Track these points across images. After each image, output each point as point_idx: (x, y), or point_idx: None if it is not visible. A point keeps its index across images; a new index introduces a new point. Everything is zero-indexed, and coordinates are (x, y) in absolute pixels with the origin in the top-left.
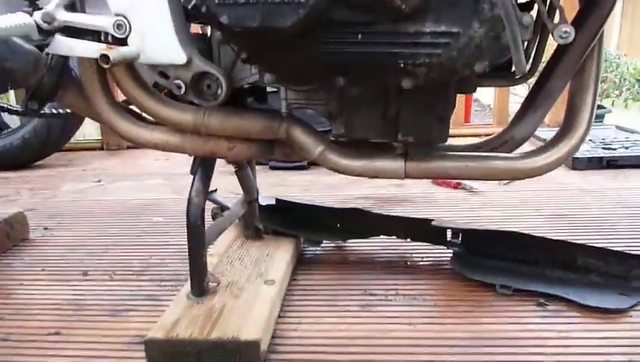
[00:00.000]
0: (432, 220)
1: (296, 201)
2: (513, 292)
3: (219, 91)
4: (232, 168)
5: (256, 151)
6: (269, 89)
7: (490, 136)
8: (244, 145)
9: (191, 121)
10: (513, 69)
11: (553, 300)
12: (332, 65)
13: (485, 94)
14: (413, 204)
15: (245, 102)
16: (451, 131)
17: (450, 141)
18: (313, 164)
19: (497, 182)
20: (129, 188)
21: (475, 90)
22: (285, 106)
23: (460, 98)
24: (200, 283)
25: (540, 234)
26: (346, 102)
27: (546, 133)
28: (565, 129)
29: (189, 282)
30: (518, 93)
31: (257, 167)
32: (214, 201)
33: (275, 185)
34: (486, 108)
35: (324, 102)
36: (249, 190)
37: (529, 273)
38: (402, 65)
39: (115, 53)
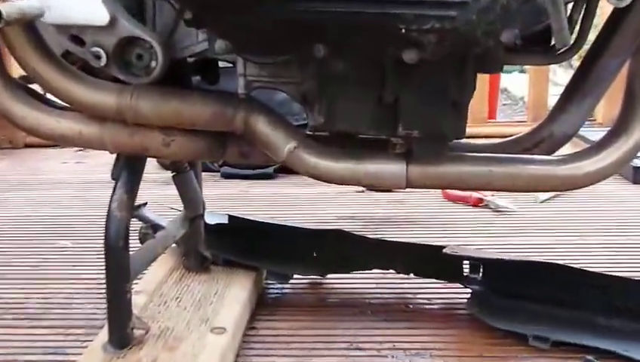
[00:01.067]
0: (444, 247)
1: (258, 220)
2: (551, 345)
3: (152, 64)
4: (168, 173)
5: (202, 149)
6: (221, 63)
7: (521, 133)
8: (186, 140)
9: (113, 105)
10: (553, 41)
11: (606, 357)
12: (308, 29)
13: (517, 83)
14: (419, 226)
15: (189, 80)
16: (471, 130)
17: (469, 142)
18: (283, 169)
19: (533, 197)
20: (25, 202)
21: (501, 69)
22: (244, 86)
23: (483, 85)
24: (121, 331)
25: (590, 269)
26: (327, 81)
27: (597, 133)
28: (621, 125)
29: (105, 329)
30: (561, 81)
31: (205, 174)
32: (143, 219)
33: (228, 198)
34: (518, 101)
35: (297, 80)
36: (192, 204)
37: (573, 320)
38: (404, 30)
39: (10, 7)
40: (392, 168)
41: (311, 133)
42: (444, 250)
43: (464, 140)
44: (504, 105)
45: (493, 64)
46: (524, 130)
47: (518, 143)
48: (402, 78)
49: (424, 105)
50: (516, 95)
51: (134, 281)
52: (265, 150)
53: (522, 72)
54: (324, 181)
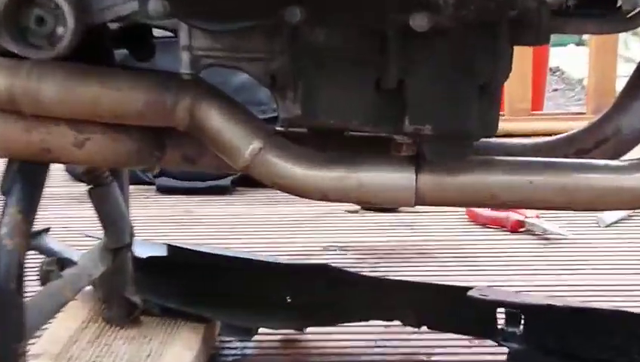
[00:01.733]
0: (469, 289)
1: (209, 252)
2: None
3: (59, 31)
4: (82, 187)
5: (130, 152)
6: (158, 32)
7: (575, 130)
8: (107, 139)
9: (1, 89)
10: (619, 2)
11: None
12: None
13: (575, 60)
14: (435, 259)
15: (112, 56)
16: (508, 125)
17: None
18: (245, 180)
19: (594, 219)
20: None
21: (547, 40)
22: (189, 64)
23: (524, 63)
24: None
25: None
26: (305, 57)
27: None
28: None
29: None
30: (635, 56)
31: (134, 187)
32: (45, 250)
33: (167, 221)
34: (575, 85)
35: (263, 55)
36: (115, 229)
37: None
38: None
39: None
40: (395, 178)
41: (283, 129)
42: (469, 293)
43: (496, 139)
44: (555, 90)
45: (536, 33)
46: (582, 124)
47: (571, 143)
48: (409, 53)
49: (440, 91)
50: (572, 76)
51: (31, 340)
52: (219, 153)
53: (581, 44)
54: (302, 196)
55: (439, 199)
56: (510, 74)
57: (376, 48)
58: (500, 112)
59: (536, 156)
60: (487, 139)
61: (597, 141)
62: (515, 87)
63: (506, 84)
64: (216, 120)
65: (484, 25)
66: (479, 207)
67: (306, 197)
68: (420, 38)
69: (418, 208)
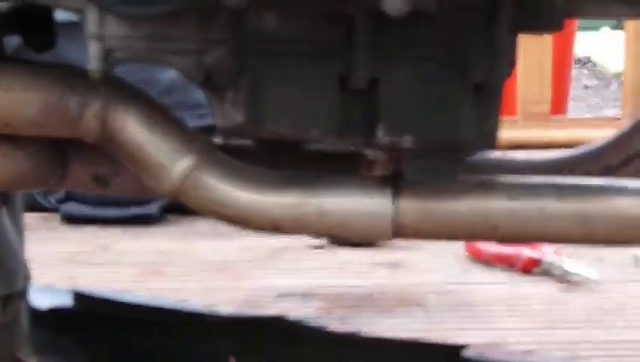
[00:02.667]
0: (463, 348)
1: (129, 301)
2: None
3: None
4: None
5: (23, 170)
6: (60, 15)
7: (602, 142)
8: None
9: None
10: None
11: None
12: None
13: (610, 48)
14: (423, 310)
15: (1, 43)
16: (522, 133)
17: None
18: (177, 207)
19: (631, 257)
20: None
21: (559, 25)
22: (99, 57)
23: (542, 54)
24: None
25: None
26: (249, 49)
27: None
28: None
29: None
30: None
31: (31, 216)
32: None
33: (75, 260)
34: (610, 80)
35: (196, 46)
36: (5, 271)
37: None
38: None
39: None
40: (367, 204)
41: (221, 141)
42: (464, 353)
43: (500, 153)
44: (586, 88)
45: (547, 17)
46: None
47: (596, 158)
48: (383, 45)
49: (422, 93)
50: (608, 70)
51: None
52: (139, 173)
53: (619, 27)
54: (248, 228)
55: (424, 231)
56: (520, 68)
57: (341, 38)
58: (512, 117)
59: (550, 175)
60: (486, 153)
61: (626, 156)
62: (531, 85)
63: (518, 80)
64: (135, 130)
65: (477, 8)
66: (477, 240)
67: (253, 229)
68: (397, 25)
69: (402, 243)
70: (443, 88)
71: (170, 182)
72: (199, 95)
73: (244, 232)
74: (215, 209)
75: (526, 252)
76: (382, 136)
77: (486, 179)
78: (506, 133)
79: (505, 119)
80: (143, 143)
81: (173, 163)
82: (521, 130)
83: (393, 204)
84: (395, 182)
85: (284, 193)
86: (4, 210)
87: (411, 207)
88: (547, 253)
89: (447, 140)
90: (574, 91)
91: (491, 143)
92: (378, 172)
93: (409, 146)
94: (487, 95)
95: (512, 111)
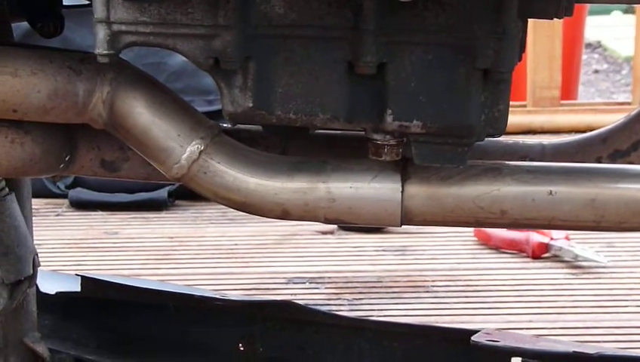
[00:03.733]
0: (474, 332)
1: (138, 286)
2: None
3: None
4: None
5: (29, 155)
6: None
7: (610, 126)
8: (1, 140)
9: None
10: None
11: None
12: None
13: (621, 32)
14: (432, 294)
15: (9, 31)
16: (531, 118)
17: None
18: (184, 192)
19: None
20: None
21: (568, 11)
22: (107, 41)
23: (551, 39)
24: None
25: None
26: (257, 34)
27: None
28: None
29: None
30: None
31: (39, 201)
32: None
33: (84, 246)
34: (623, 65)
35: (203, 31)
36: (14, 257)
37: None
38: None
39: None
40: (375, 190)
41: (230, 126)
42: (474, 338)
43: (509, 138)
44: (597, 72)
45: (556, 2)
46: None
47: (605, 143)
48: (391, 29)
49: (431, 77)
50: (619, 54)
51: None
52: (147, 158)
53: (630, 11)
54: (256, 214)
55: (432, 217)
56: (530, 53)
57: (349, 23)
58: (522, 102)
59: (559, 160)
60: (495, 139)
61: (635, 141)
62: (541, 69)
63: (528, 65)
64: (142, 115)
65: None
66: (486, 226)
67: (262, 215)
68: (405, 9)
69: (411, 228)
70: (451, 73)
71: (177, 167)
72: (208, 80)
73: (253, 218)
74: (222, 194)
75: (536, 237)
76: (390, 121)
77: (495, 164)
78: (516, 118)
79: (514, 104)
80: (150, 127)
81: (180, 147)
82: (531, 115)
83: (402, 189)
84: (404, 168)
85: (292, 178)
86: (12, 197)
87: (419, 192)
88: (557, 238)
89: (455, 125)
90: (584, 76)
91: (500, 128)
92: (386, 157)
93: (417, 131)
94: (496, 80)
95: (521, 97)
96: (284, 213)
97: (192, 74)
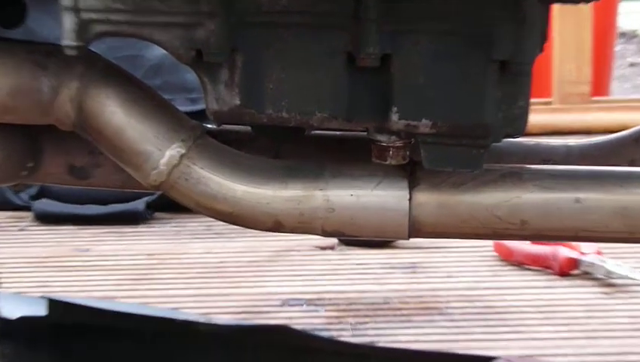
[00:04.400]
0: (492, 359)
1: (112, 309)
2: None
3: None
4: None
5: None
6: None
7: None
8: None
9: None
10: None
11: None
12: None
13: None
14: (445, 317)
15: None
16: (558, 117)
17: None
18: (167, 203)
19: None
20: None
21: None
22: (75, 31)
23: (581, 26)
24: None
25: None
26: (246, 22)
27: None
28: None
29: None
30: None
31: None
32: None
33: (49, 265)
34: None
35: (183, 19)
36: None
37: None
38: None
39: None
40: (379, 198)
41: (215, 127)
42: None
43: (530, 139)
44: (632, 65)
45: None
46: None
47: (639, 143)
48: (397, 16)
49: (441, 71)
50: None
51: None
52: (122, 163)
53: None
54: (245, 225)
55: (444, 227)
56: (556, 43)
57: (349, 9)
58: (547, 99)
59: (587, 163)
60: (514, 140)
61: None
62: (568, 62)
63: (554, 57)
64: (115, 114)
65: None
66: (504, 238)
67: (252, 227)
68: None
69: (422, 243)
70: (465, 66)
71: (155, 173)
72: (191, 75)
73: (243, 231)
74: (208, 204)
75: (563, 251)
76: (396, 120)
77: (514, 168)
78: (540, 117)
79: (538, 101)
80: (125, 129)
81: (159, 151)
82: (557, 114)
83: (410, 197)
84: (412, 173)
85: (286, 185)
86: None
87: (430, 200)
88: (587, 252)
89: (470, 124)
90: (618, 70)
91: (520, 128)
92: (391, 161)
93: (427, 131)
94: (515, 73)
95: (546, 93)
96: (276, 225)
97: (172, 68)
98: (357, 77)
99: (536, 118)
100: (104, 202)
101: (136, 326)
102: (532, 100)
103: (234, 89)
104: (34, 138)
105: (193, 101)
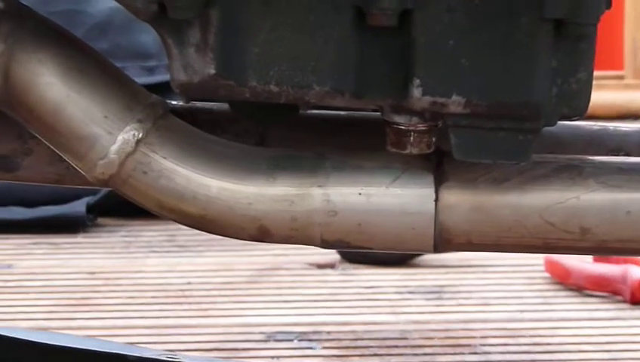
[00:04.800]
0: None
1: (41, 342)
2: None
3: None
4: None
5: None
6: None
7: None
8: None
9: None
10: None
11: None
12: None
13: None
14: (482, 357)
15: None
16: (630, 96)
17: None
18: (116, 206)
19: None
20: None
21: None
22: None
23: None
24: None
25: None
26: None
27: None
28: None
29: None
30: None
31: None
32: None
33: None
34: None
35: None
36: None
37: None
38: None
39: None
40: (396, 198)
41: (183, 104)
42: None
43: (594, 123)
44: None
45: None
46: None
47: None
48: None
49: (477, 32)
50: None
51: None
52: (59, 150)
53: None
54: (220, 233)
55: (481, 238)
56: (629, 1)
57: None
58: (617, 72)
59: None
60: (573, 123)
61: None
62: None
63: (627, 18)
64: (52, 86)
65: None
66: (559, 252)
67: (229, 235)
68: None
69: (450, 259)
70: (508, 25)
71: (104, 164)
72: (149, 37)
73: (215, 243)
74: (172, 204)
75: (636, 272)
76: (418, 96)
77: (573, 159)
78: (609, 94)
79: (606, 75)
80: (64, 105)
81: (109, 135)
82: (631, 91)
83: (437, 197)
84: (438, 165)
85: (274, 181)
86: None
87: (463, 201)
88: None
89: (515, 103)
90: None
91: (580, 108)
92: (413, 149)
93: (458, 111)
94: (575, 36)
95: (617, 64)
96: (261, 233)
97: (123, 28)
98: (368, 39)
99: (604, 95)
100: (32, 203)
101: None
102: (597, 73)
103: (207, 54)
104: None
105: (150, 71)
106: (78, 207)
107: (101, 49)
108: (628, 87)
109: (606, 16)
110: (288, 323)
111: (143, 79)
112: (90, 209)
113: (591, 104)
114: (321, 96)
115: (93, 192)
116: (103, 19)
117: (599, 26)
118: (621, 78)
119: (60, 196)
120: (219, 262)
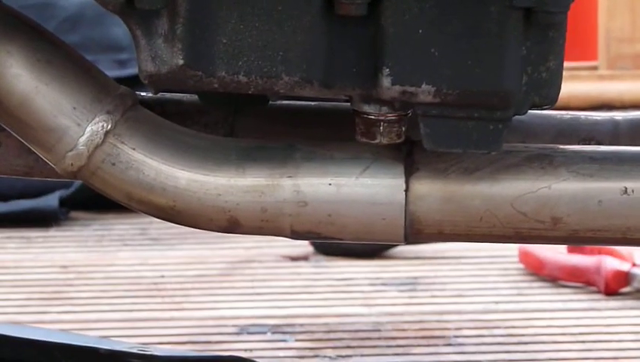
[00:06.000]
0: None
1: (14, 336)
2: None
3: None
4: None
5: None
6: None
7: None
8: None
9: None
10: None
11: None
12: None
13: None
14: (456, 349)
15: None
16: (603, 86)
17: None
18: (88, 199)
19: None
20: None
21: None
22: None
23: None
24: None
25: None
26: None
27: None
28: None
29: None
30: None
31: None
32: None
33: None
34: None
35: None
36: None
37: None
38: None
39: None
40: (366, 188)
41: (151, 95)
42: None
43: (565, 112)
44: None
45: None
46: None
47: None
48: None
49: (447, 20)
50: None
51: None
52: (28, 142)
53: None
54: (190, 224)
55: (452, 228)
56: None
57: None
58: (591, 63)
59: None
60: (544, 112)
61: None
62: (619, 15)
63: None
64: (20, 78)
65: None
66: (531, 242)
67: (199, 227)
68: None
69: (424, 251)
70: (478, 14)
71: (72, 155)
72: (119, 30)
73: (188, 236)
74: (141, 196)
75: (610, 263)
76: (388, 85)
77: (544, 149)
78: (582, 85)
79: (580, 65)
80: (32, 97)
81: (78, 126)
82: (605, 82)
83: (407, 187)
84: (409, 155)
85: (243, 172)
86: None
87: (434, 191)
88: None
89: (485, 91)
90: None
91: (551, 97)
92: (383, 139)
93: (428, 101)
94: (544, 24)
95: (590, 55)
96: (231, 224)
97: (96, 21)
98: (338, 29)
99: (578, 86)
100: (5, 197)
101: (47, 357)
102: (571, 64)
103: (176, 44)
104: None
105: (122, 64)
106: (51, 200)
107: (73, 42)
108: (602, 77)
109: (579, 7)
110: (261, 315)
111: (115, 72)
112: (62, 202)
113: (565, 95)
114: (291, 86)
115: (66, 186)
116: (75, 12)
117: (572, 16)
118: (595, 68)
119: (32, 190)
120: (192, 255)
